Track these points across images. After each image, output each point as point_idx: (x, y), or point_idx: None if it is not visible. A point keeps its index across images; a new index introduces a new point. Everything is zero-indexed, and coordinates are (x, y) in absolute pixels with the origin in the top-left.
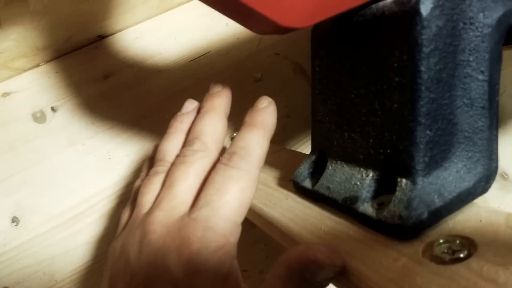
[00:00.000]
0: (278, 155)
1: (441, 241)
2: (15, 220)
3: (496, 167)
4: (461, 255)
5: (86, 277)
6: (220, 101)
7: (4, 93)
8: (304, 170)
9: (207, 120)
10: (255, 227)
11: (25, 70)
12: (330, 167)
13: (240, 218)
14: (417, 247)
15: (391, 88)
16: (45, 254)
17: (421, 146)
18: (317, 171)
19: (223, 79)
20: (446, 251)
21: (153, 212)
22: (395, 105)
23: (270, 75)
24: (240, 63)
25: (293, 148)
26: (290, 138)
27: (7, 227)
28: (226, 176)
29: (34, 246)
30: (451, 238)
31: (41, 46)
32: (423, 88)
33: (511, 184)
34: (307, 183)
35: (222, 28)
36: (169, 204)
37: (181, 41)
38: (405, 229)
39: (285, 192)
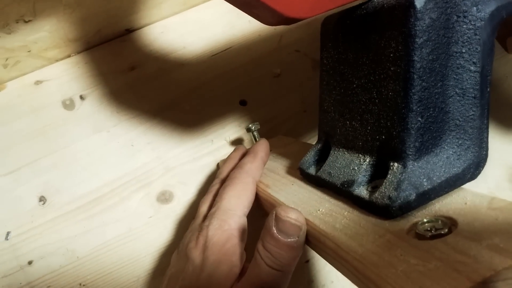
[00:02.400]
0: (290, 147)
1: (425, 220)
2: (42, 199)
3: (486, 155)
4: (442, 232)
5: (105, 255)
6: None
7: (37, 81)
8: (309, 158)
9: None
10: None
11: (57, 60)
12: (333, 154)
13: (239, 209)
14: (403, 225)
15: (387, 77)
16: (68, 232)
17: (412, 132)
18: (322, 159)
19: (243, 74)
20: (429, 229)
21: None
22: (390, 93)
23: (289, 71)
24: (260, 59)
25: (309, 142)
26: (307, 132)
27: (35, 206)
28: (224, 186)
29: (58, 224)
30: (434, 218)
31: (72, 37)
32: (415, 76)
33: None
34: (312, 170)
35: (244, 25)
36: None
37: (204, 37)
38: (393, 208)
39: (292, 178)
